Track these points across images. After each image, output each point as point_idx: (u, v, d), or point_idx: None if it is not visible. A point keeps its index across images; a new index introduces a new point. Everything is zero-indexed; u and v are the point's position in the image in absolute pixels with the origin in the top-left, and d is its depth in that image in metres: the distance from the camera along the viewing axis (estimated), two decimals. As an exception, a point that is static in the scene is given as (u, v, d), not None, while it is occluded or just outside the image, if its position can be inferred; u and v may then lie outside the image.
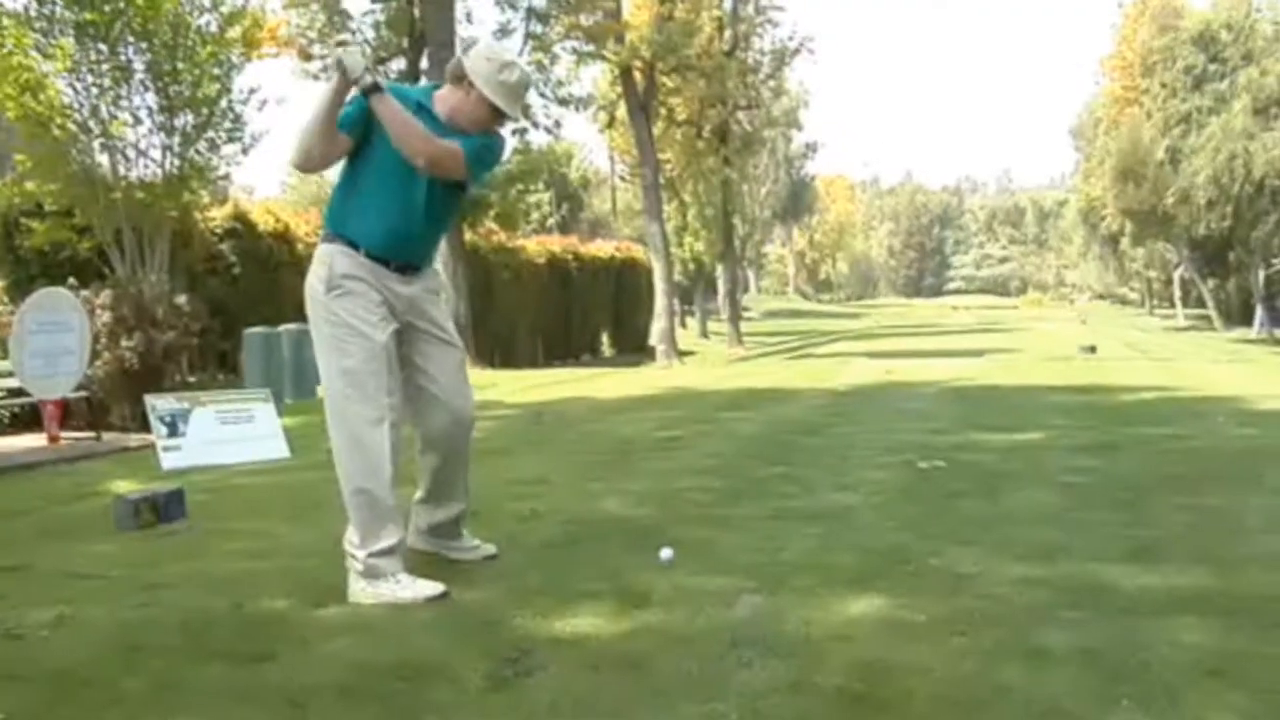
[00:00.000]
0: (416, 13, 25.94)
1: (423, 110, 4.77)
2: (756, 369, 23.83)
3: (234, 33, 15.66)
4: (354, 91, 4.65)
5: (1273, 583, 4.58)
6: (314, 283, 4.78)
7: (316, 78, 26.50)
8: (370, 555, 4.63)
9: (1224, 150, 43.41)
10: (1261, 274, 56.17)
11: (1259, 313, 57.88)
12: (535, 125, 28.83)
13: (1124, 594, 4.44)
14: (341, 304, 4.71)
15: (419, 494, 5.19)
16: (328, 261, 4.76)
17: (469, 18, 27.80)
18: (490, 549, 5.27)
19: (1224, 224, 45.29)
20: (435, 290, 5.12)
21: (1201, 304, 68.47)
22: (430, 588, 4.61)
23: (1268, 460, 7.89)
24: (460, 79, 4.81)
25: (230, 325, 16.40)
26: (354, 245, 4.74)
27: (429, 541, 5.22)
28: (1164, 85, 56.83)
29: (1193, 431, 9.58)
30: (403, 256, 4.83)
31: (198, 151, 15.53)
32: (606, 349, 37.37)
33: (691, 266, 53.26)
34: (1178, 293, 75.02)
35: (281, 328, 16.10)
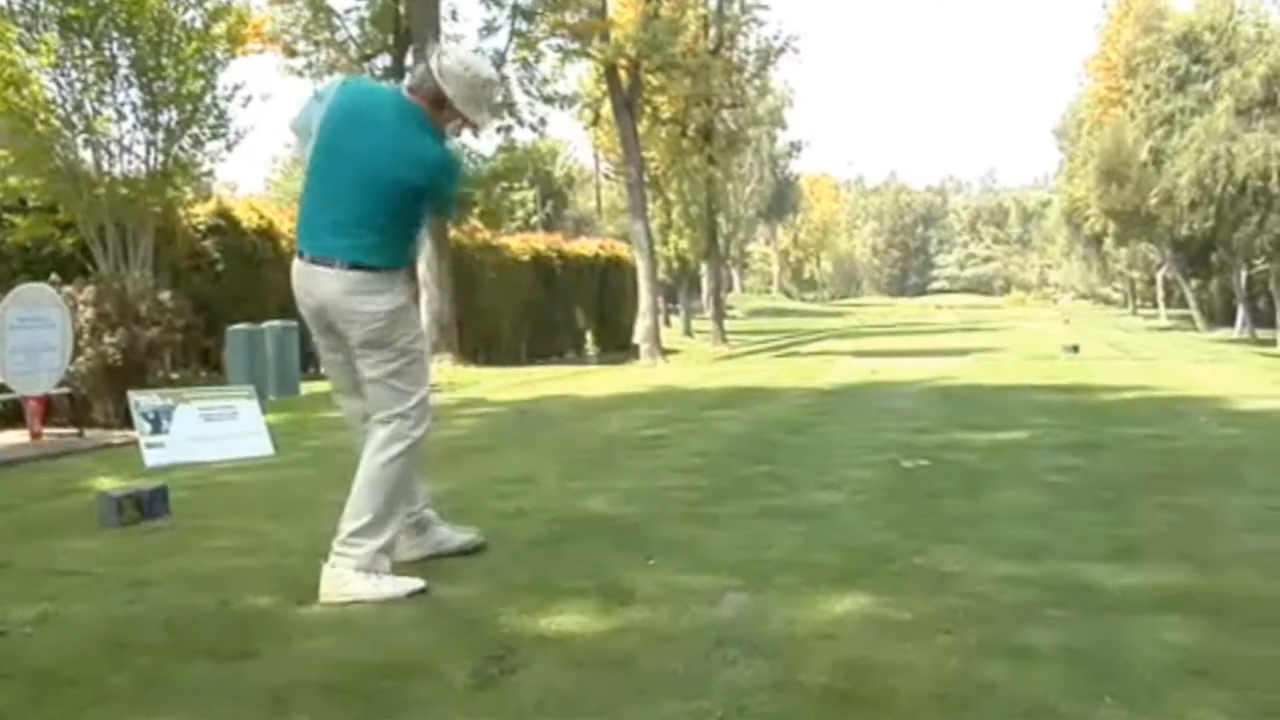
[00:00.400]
0: (401, 9, 25.87)
1: (407, 120, 4.80)
2: (741, 367, 23.85)
3: (219, 29, 15.64)
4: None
5: (1255, 582, 4.61)
6: (396, 309, 4.82)
7: (301, 74, 26.44)
8: (381, 550, 4.69)
9: (1207, 151, 43.53)
10: (1244, 275, 56.40)
11: (1241, 313, 58.14)
12: (520, 123, 28.78)
13: (1107, 593, 4.46)
14: (412, 320, 4.98)
15: None
16: (399, 287, 4.87)
17: (454, 15, 27.79)
18: (473, 532, 5.38)
19: (1207, 225, 45.42)
20: None
21: (1184, 304, 68.74)
22: (413, 583, 4.64)
23: (1249, 460, 7.93)
24: (432, 90, 4.86)
25: (214, 322, 16.36)
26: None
27: (418, 543, 5.18)
28: (1147, 86, 57.00)
29: (1175, 431, 9.62)
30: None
31: (182, 148, 15.52)
32: (591, 347, 37.37)
33: (676, 265, 53.27)
34: (1160, 293, 75.35)
35: (265, 325, 16.06)
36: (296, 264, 4.87)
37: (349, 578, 4.59)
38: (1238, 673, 3.52)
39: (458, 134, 5.13)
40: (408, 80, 5.10)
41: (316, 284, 4.77)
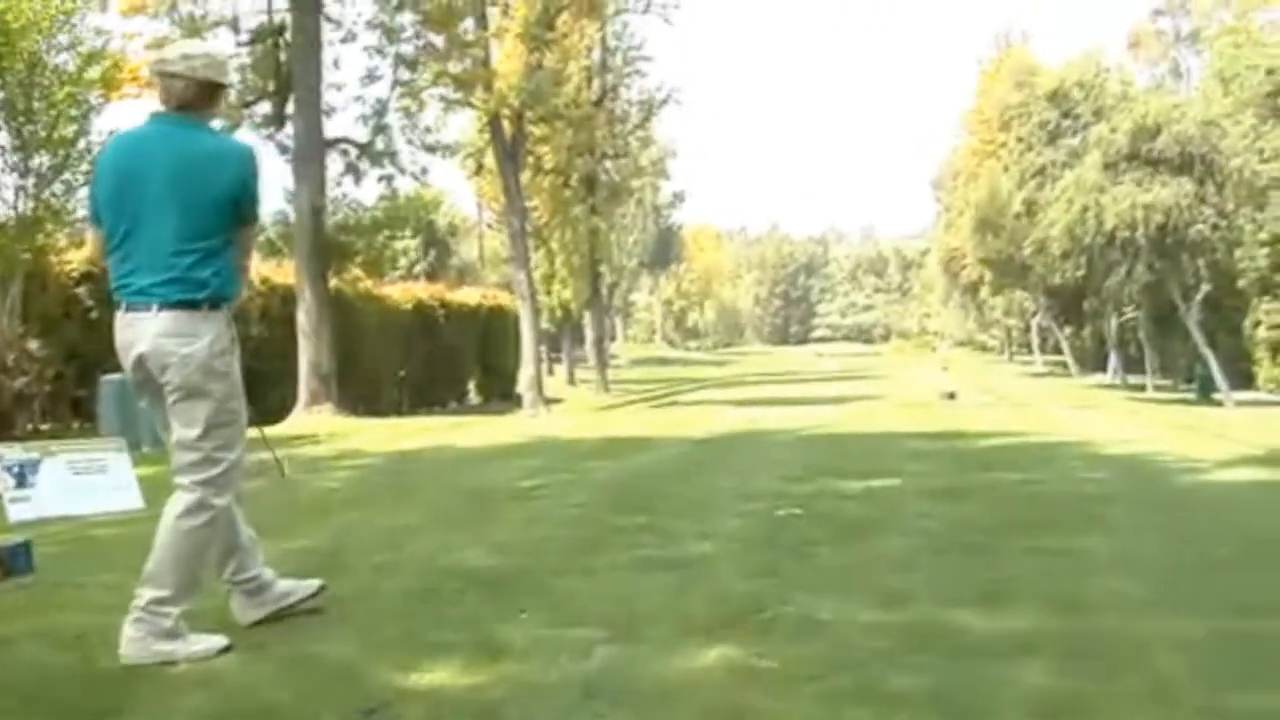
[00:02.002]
0: (282, 57, 25.71)
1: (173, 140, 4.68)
2: (622, 417, 23.92)
3: (93, 73, 15.44)
4: None
5: (1114, 623, 4.75)
6: (213, 356, 4.67)
7: (179, 120, 26.04)
8: (181, 614, 4.55)
9: (1077, 203, 44.67)
10: (1114, 322, 58.01)
11: (1113, 359, 59.81)
12: (402, 172, 28.70)
13: (972, 637, 4.55)
14: (238, 378, 4.79)
15: (225, 559, 4.96)
16: (222, 329, 4.71)
17: (336, 63, 27.58)
18: (316, 581, 5.20)
19: (1078, 274, 46.60)
20: None
21: (1058, 350, 70.53)
22: (217, 641, 4.56)
23: (1113, 503, 8.18)
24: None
25: (87, 371, 16.00)
26: (229, 304, 4.76)
27: (258, 602, 4.99)
28: (1020, 139, 58.60)
29: (1044, 476, 9.87)
30: None
31: (53, 193, 15.24)
32: (474, 396, 37.17)
33: (559, 314, 53.25)
34: (1035, 340, 77.18)
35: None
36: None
37: (153, 641, 4.47)
38: (1096, 712, 3.63)
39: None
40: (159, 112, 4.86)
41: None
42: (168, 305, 4.59)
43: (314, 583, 5.19)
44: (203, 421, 4.67)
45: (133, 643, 4.47)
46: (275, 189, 27.16)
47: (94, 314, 18.98)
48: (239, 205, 4.71)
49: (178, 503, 4.67)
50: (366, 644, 4.59)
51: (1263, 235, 46.51)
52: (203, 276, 4.62)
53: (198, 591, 4.67)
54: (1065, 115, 56.55)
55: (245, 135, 24.54)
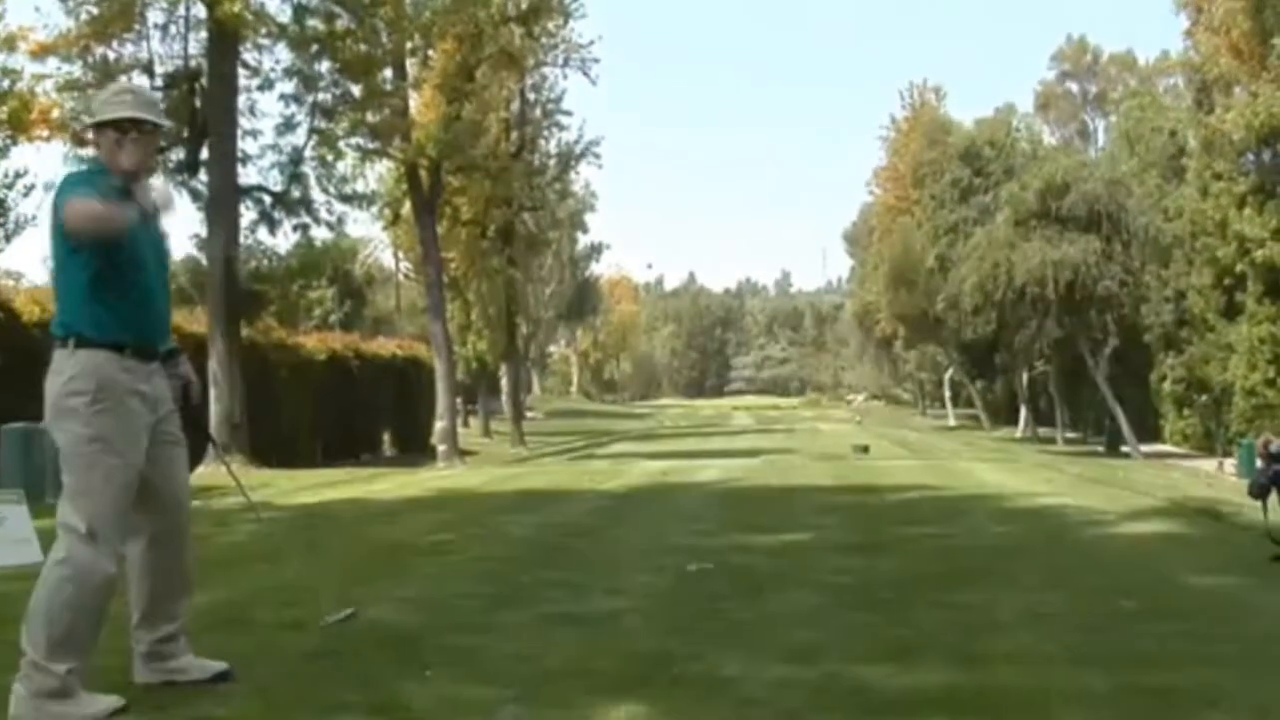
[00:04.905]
0: (197, 102, 25.48)
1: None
2: (536, 470, 23.82)
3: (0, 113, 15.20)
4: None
5: (1018, 678, 4.79)
6: (68, 398, 4.51)
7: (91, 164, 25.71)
8: (69, 672, 4.35)
9: (988, 259, 45.51)
10: (1025, 376, 59.00)
11: (1024, 413, 60.71)
12: (317, 221, 28.49)
13: (879, 693, 4.57)
14: (103, 422, 4.49)
15: (136, 615, 4.79)
16: (89, 371, 4.50)
17: (252, 109, 27.31)
18: (220, 665, 4.89)
19: (989, 329, 47.42)
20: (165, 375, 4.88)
21: (971, 404, 71.50)
22: (110, 701, 4.40)
23: (1022, 556, 8.27)
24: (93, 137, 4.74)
25: (-12, 421, 15.65)
26: (118, 347, 4.53)
27: (156, 669, 4.79)
28: (933, 197, 59.61)
29: (954, 530, 9.95)
30: (155, 342, 4.74)
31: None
32: (388, 448, 36.84)
33: (475, 365, 53.05)
34: (948, 393, 78.11)
35: (43, 424, 15.40)
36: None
37: (42, 701, 4.31)
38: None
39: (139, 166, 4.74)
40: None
41: None
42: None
43: (218, 666, 4.90)
44: (63, 459, 4.56)
45: (20, 702, 4.32)
46: (187, 236, 26.96)
47: (-3, 363, 18.63)
48: (62, 234, 4.51)
49: (54, 549, 4.51)
50: (268, 704, 4.51)
51: (1167, 291, 47.60)
52: (62, 315, 4.61)
53: (81, 648, 4.41)
54: (977, 173, 57.65)
55: (158, 181, 24.24)
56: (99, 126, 4.71)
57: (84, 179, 4.72)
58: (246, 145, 26.83)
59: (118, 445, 4.50)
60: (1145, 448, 44.29)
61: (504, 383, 56.11)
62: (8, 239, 15.69)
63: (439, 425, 33.54)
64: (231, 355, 24.05)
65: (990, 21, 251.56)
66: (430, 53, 33.48)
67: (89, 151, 25.58)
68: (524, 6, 35.78)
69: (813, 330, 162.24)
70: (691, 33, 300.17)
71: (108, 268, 4.51)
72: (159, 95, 4.80)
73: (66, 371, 4.52)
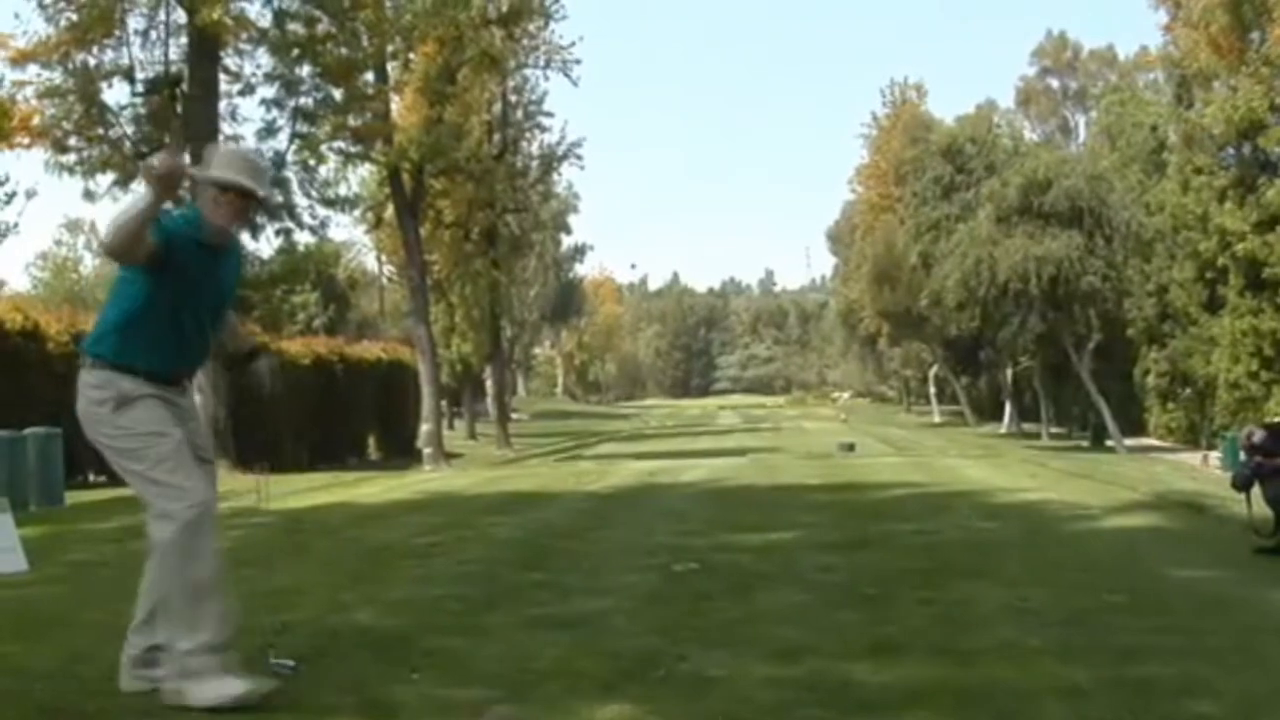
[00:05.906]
0: (179, 108, 25.42)
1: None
2: (522, 472, 23.80)
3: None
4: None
5: (1004, 672, 4.82)
6: (93, 407, 4.62)
7: (73, 171, 25.65)
8: (196, 649, 4.45)
9: (971, 256, 45.55)
10: (1009, 372, 59.18)
11: (1008, 408, 60.88)
12: (300, 225, 28.46)
13: (865, 689, 4.59)
14: (130, 416, 4.59)
15: (137, 619, 4.80)
16: (107, 383, 4.61)
17: (234, 114, 27.27)
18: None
19: (973, 325, 47.47)
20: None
21: (956, 400, 71.65)
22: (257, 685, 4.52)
23: (1006, 552, 8.31)
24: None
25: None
26: (133, 370, 4.62)
27: (140, 675, 4.76)
28: (915, 194, 59.67)
29: (939, 526, 9.98)
30: (183, 371, 4.89)
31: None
32: (374, 452, 36.78)
33: (460, 368, 53.01)
34: (933, 390, 78.32)
35: (28, 431, 15.36)
36: None
37: (182, 685, 4.46)
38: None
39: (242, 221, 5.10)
40: None
41: None
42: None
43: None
44: (114, 464, 4.69)
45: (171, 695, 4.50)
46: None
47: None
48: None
49: (149, 537, 4.60)
50: (256, 707, 4.49)
51: (1150, 286, 47.75)
52: (93, 334, 4.79)
53: (211, 620, 4.52)
54: (959, 170, 57.71)
55: (138, 187, 24.19)
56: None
57: (171, 220, 4.91)
58: (228, 150, 26.74)
59: (154, 426, 4.61)
60: (1130, 442, 44.42)
61: (489, 385, 56.14)
62: (-11, 247, 15.57)
63: (424, 428, 33.53)
64: (214, 360, 23.96)
65: (970, 18, 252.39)
66: (411, 56, 33.48)
67: (69, 158, 25.59)
68: (504, 9, 35.83)
69: (797, 329, 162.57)
70: (673, 33, 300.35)
71: (153, 308, 4.64)
72: (268, 164, 4.91)
73: (88, 388, 4.64)
